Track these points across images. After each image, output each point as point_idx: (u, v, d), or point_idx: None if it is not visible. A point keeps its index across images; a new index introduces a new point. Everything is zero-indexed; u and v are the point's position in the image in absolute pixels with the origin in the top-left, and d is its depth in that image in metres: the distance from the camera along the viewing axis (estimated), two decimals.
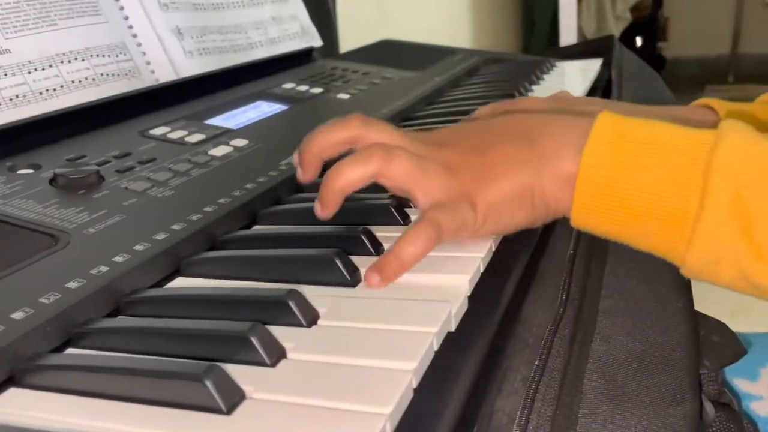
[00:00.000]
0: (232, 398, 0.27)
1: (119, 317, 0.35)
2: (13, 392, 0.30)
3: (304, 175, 0.43)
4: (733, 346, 0.43)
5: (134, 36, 0.74)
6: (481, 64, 1.07)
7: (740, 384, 0.53)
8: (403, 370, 0.28)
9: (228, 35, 0.89)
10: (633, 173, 0.35)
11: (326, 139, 0.42)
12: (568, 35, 2.44)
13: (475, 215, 0.38)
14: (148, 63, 0.74)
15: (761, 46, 4.13)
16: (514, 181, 0.38)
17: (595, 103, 0.54)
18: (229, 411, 0.26)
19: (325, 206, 0.40)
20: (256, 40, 0.94)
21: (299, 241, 0.42)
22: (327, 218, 0.40)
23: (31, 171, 0.51)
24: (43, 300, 0.34)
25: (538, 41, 2.85)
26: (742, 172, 0.32)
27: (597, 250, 0.46)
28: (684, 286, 0.44)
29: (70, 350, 0.33)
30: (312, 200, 0.50)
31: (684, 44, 4.29)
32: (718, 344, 0.43)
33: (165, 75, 0.75)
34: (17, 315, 0.33)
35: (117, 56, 0.70)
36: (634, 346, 0.39)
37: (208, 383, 0.26)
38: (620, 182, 0.35)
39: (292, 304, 0.32)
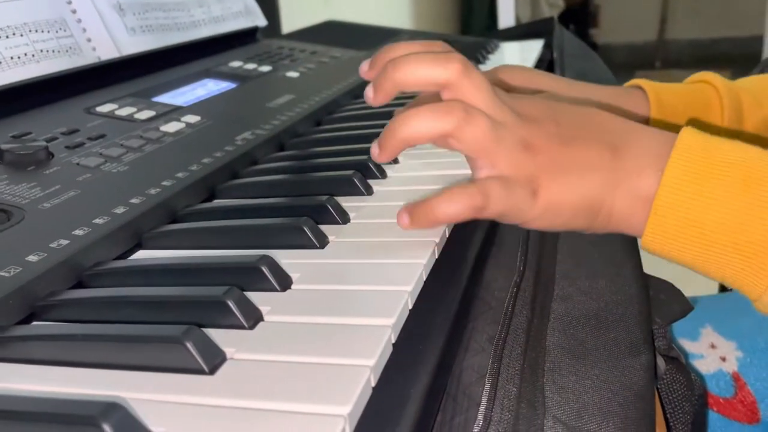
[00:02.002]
0: (214, 359, 0.27)
1: (83, 289, 0.34)
2: None
3: (376, 100, 0.37)
4: (680, 303, 0.45)
5: (74, 12, 0.71)
6: None
7: (682, 344, 0.56)
8: (382, 325, 0.28)
9: (171, 13, 0.87)
10: (715, 201, 0.33)
11: (417, 71, 0.36)
12: (506, 19, 2.48)
13: (533, 205, 0.35)
14: (89, 40, 0.72)
15: (686, 32, 4.31)
16: (586, 189, 0.36)
17: (557, 79, 0.54)
18: (212, 371, 0.26)
19: (384, 151, 0.36)
20: (199, 18, 0.92)
21: (265, 211, 0.41)
22: (383, 162, 0.36)
23: None
24: (3, 273, 0.33)
25: (477, 25, 2.89)
26: None
27: None
28: (633, 250, 0.46)
29: (33, 324, 0.32)
30: (270, 172, 0.50)
31: (614, 31, 4.43)
32: (666, 302, 0.45)
33: (107, 52, 0.72)
34: None
35: (57, 32, 0.67)
36: (590, 305, 0.41)
37: (189, 345, 0.26)
38: (700, 210, 0.34)
39: (265, 270, 0.33)
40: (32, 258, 0.34)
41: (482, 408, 0.30)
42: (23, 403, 0.24)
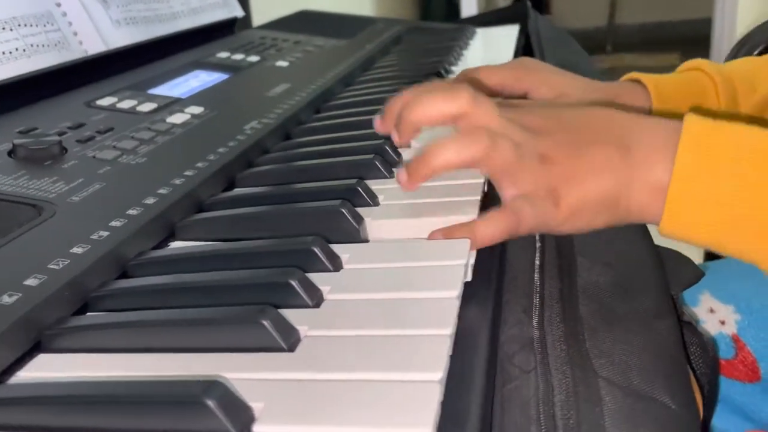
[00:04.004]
0: (290, 337, 0.28)
1: (139, 278, 0.34)
2: (44, 358, 0.29)
3: (401, 142, 0.40)
4: (691, 269, 0.47)
5: (58, 5, 0.70)
6: (404, 32, 1.09)
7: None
8: (448, 297, 0.29)
9: (151, 4, 0.86)
10: (727, 182, 0.35)
11: (430, 110, 0.38)
12: (468, 8, 2.50)
13: (557, 214, 0.38)
14: (75, 33, 0.70)
15: (635, 17, 4.42)
16: (602, 188, 0.38)
17: (561, 74, 0.56)
18: (290, 349, 0.27)
19: (415, 180, 0.37)
20: (178, 9, 0.91)
21: (295, 197, 0.42)
22: (410, 189, 0.38)
23: None
24: (52, 266, 0.33)
25: (436, 12, 2.91)
26: None
27: None
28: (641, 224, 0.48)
29: (94, 313, 0.32)
30: (286, 159, 0.50)
31: (566, 17, 4.51)
32: (677, 269, 0.47)
33: (94, 45, 0.71)
34: (30, 282, 0.31)
35: (45, 26, 0.66)
36: (612, 275, 0.43)
37: (267, 324, 0.27)
38: (714, 193, 0.35)
39: (317, 251, 0.33)
40: (77, 250, 0.34)
41: (539, 373, 0.32)
42: (122, 388, 0.24)
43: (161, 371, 0.26)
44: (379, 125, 0.43)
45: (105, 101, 0.59)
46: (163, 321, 0.28)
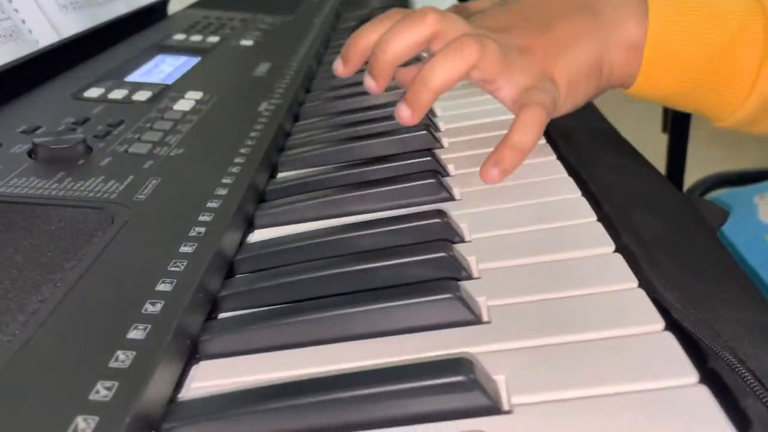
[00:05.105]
0: (476, 308, 0.27)
1: (268, 272, 0.32)
2: (209, 364, 0.27)
3: (378, 87, 0.39)
4: (716, 211, 0.51)
5: None
6: (338, 6, 1.07)
7: None
8: (607, 252, 0.30)
9: None
10: (695, 38, 0.38)
11: (403, 41, 0.37)
12: None
13: (559, 91, 0.39)
14: (24, 21, 0.64)
15: None
16: (585, 53, 0.39)
17: None
18: (481, 320, 0.27)
19: (418, 108, 0.36)
20: None
21: (370, 174, 0.40)
22: (415, 123, 0.37)
23: None
24: (173, 268, 0.30)
25: None
26: None
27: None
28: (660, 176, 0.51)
29: (240, 313, 0.30)
30: (323, 141, 0.49)
31: None
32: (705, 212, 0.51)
33: (44, 34, 0.65)
34: (163, 287, 0.29)
35: None
36: (663, 226, 0.45)
37: (458, 296, 0.26)
38: (685, 47, 0.38)
39: (444, 222, 0.33)
40: (187, 249, 0.32)
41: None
42: (368, 377, 0.23)
43: (375, 359, 0.25)
44: (342, 70, 0.41)
45: (92, 93, 0.54)
46: (345, 311, 0.27)
